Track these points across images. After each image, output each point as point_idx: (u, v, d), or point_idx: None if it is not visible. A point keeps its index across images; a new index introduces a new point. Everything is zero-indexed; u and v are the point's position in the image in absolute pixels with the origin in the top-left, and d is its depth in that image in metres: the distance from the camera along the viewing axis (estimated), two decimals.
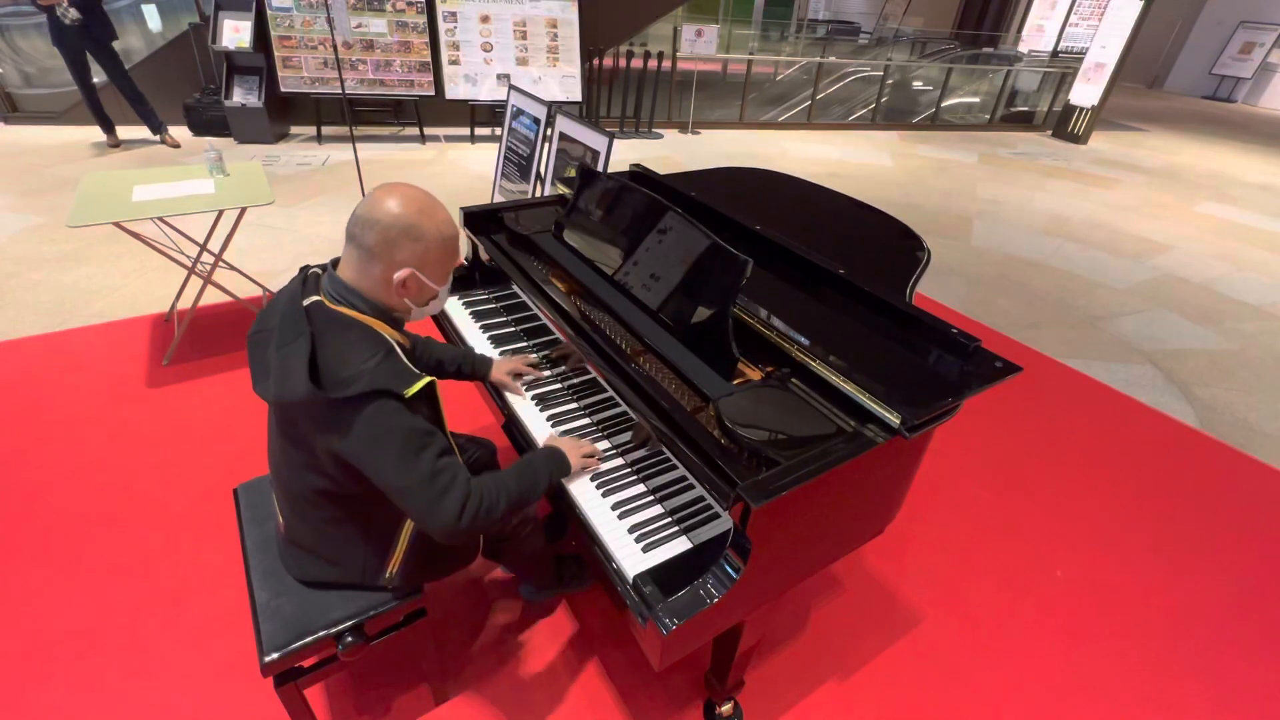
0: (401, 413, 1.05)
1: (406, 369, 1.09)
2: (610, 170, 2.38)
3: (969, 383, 1.30)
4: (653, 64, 6.97)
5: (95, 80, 5.21)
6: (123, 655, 1.67)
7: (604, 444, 1.50)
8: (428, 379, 1.09)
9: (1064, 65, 9.45)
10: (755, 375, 1.40)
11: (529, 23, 6.26)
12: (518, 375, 1.67)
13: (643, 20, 7.22)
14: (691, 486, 1.26)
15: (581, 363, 1.56)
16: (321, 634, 1.26)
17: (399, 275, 1.10)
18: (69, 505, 2.09)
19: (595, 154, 3.04)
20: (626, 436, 1.45)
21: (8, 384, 2.62)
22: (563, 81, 6.47)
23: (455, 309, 2.01)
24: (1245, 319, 4.16)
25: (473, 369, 1.64)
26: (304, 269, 1.23)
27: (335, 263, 1.16)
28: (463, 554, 1.42)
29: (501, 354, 1.82)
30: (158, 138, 5.56)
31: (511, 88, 3.83)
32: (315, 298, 1.11)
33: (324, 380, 1.04)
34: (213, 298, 3.16)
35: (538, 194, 3.56)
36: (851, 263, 1.65)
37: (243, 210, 2.70)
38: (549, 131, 3.45)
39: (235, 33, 5.60)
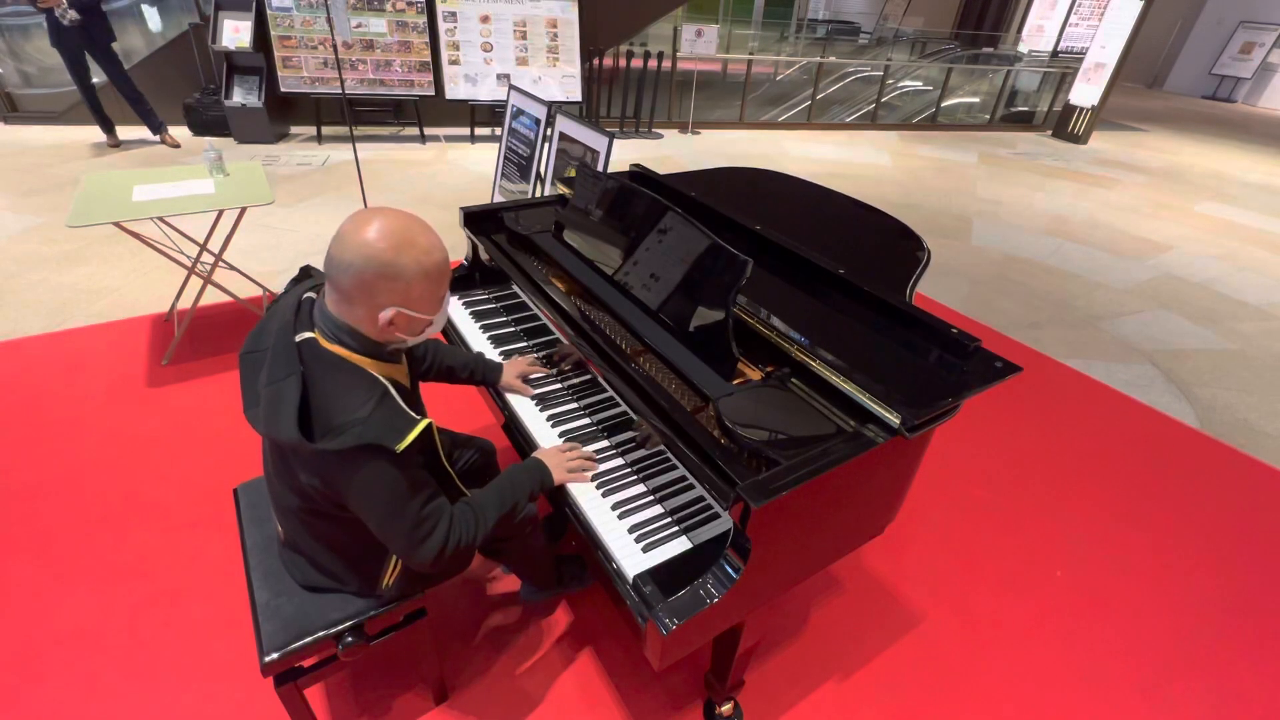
0: (390, 469, 1.03)
1: (400, 416, 1.04)
2: (610, 170, 2.38)
3: (969, 383, 1.30)
4: (653, 64, 6.97)
5: (95, 80, 5.21)
6: (123, 655, 1.67)
7: (604, 444, 1.50)
8: (422, 425, 1.05)
9: (1064, 65, 9.45)
10: (755, 375, 1.40)
11: (529, 23, 6.26)
12: (526, 378, 1.67)
13: (643, 20, 7.22)
14: (691, 486, 1.26)
15: (581, 363, 1.56)
16: (321, 634, 1.25)
17: (384, 315, 1.03)
18: (69, 505, 2.09)
19: (595, 154, 3.04)
20: (626, 436, 1.45)
21: (8, 384, 2.62)
22: (563, 81, 6.46)
23: (455, 309, 2.01)
24: (1245, 319, 4.16)
25: (484, 376, 1.64)
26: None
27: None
28: (460, 561, 1.41)
29: (501, 354, 1.82)
30: (157, 138, 5.55)
31: (511, 88, 3.83)
32: (308, 334, 1.06)
33: (315, 425, 1.01)
34: (213, 298, 3.16)
35: (538, 194, 3.56)
36: (851, 263, 1.65)
37: (243, 210, 2.70)
38: (549, 131, 3.45)
39: (235, 33, 5.60)
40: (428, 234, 1.05)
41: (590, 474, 1.41)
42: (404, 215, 1.03)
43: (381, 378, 1.07)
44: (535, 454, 1.40)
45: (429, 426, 1.07)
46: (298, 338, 1.06)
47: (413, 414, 1.06)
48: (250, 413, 1.09)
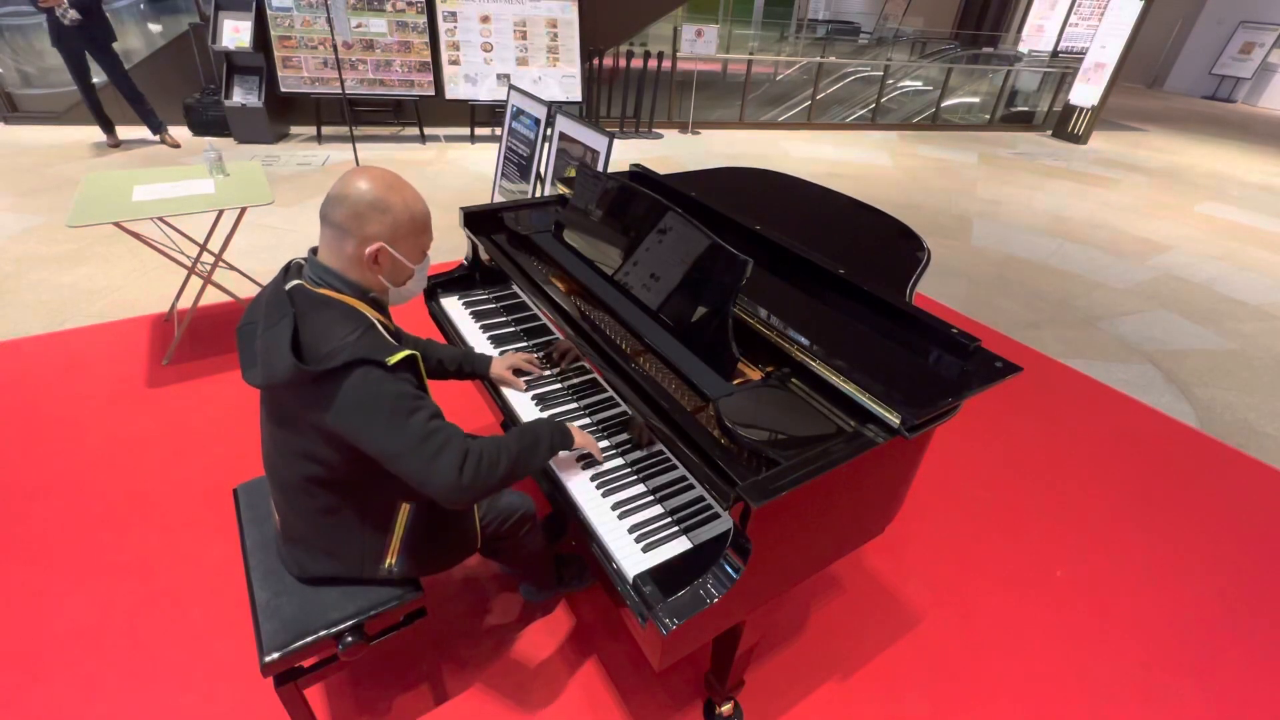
0: (386, 379, 1.07)
1: (387, 341, 1.10)
2: (610, 170, 2.38)
3: (969, 383, 1.30)
4: (653, 64, 6.97)
5: (95, 80, 5.21)
6: (123, 655, 1.67)
7: (604, 444, 1.50)
8: (409, 351, 1.10)
9: (1064, 65, 9.45)
10: (755, 375, 1.40)
11: (529, 23, 6.26)
12: (518, 371, 1.67)
13: (643, 20, 7.22)
14: (691, 486, 1.26)
15: (581, 362, 1.56)
16: (322, 634, 1.25)
17: (370, 249, 1.12)
18: (69, 505, 2.09)
19: (595, 154, 3.04)
20: (626, 436, 1.45)
21: (8, 384, 2.62)
22: (563, 81, 6.46)
23: (455, 309, 2.01)
24: (1245, 319, 4.16)
25: (473, 367, 1.65)
26: (288, 264, 1.24)
27: (316, 250, 1.19)
28: (462, 546, 1.41)
29: (501, 354, 1.82)
30: (157, 138, 5.55)
31: (511, 88, 3.83)
32: (296, 281, 1.14)
33: (307, 357, 1.06)
34: (213, 298, 3.16)
35: (538, 194, 3.56)
36: (851, 263, 1.65)
37: (243, 210, 2.70)
38: (549, 131, 3.45)
39: (235, 33, 5.60)
40: (416, 191, 1.19)
41: (602, 453, 1.45)
42: (397, 174, 1.16)
43: (367, 314, 1.14)
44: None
45: (415, 355, 1.12)
46: (287, 286, 1.13)
47: (398, 345, 1.12)
48: (249, 373, 1.14)
